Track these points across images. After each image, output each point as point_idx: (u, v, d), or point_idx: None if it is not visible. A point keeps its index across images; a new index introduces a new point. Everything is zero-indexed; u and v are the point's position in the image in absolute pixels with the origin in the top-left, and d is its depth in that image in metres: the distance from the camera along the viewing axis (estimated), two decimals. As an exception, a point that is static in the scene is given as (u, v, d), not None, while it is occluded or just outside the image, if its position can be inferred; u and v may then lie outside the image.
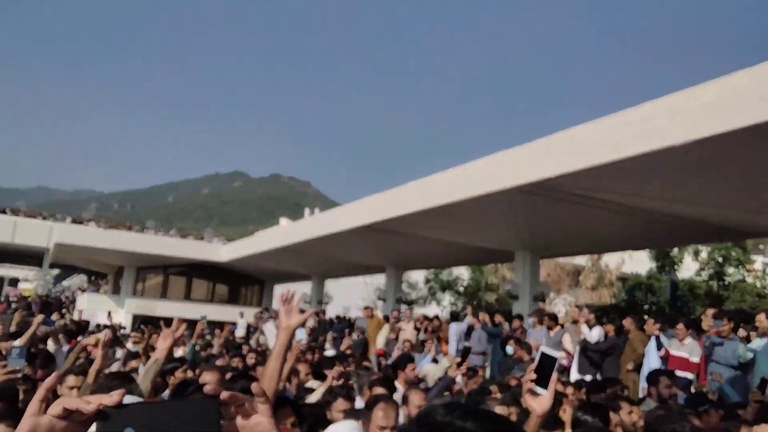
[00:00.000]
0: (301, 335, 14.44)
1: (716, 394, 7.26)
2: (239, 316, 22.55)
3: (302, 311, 2.72)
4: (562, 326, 10.39)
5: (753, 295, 22.89)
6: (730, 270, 23.97)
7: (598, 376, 8.98)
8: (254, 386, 1.07)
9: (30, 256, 39.76)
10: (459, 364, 10.21)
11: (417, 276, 32.54)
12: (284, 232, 22.80)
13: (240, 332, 20.10)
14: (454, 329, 11.88)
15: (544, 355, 2.14)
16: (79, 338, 11.36)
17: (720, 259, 23.88)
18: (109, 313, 20.67)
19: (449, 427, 1.05)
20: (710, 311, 8.49)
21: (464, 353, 11.21)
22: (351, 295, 31.83)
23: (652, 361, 8.38)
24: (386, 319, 14.39)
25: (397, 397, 5.83)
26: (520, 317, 11.57)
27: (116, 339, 10.93)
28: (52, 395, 0.99)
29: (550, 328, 10.30)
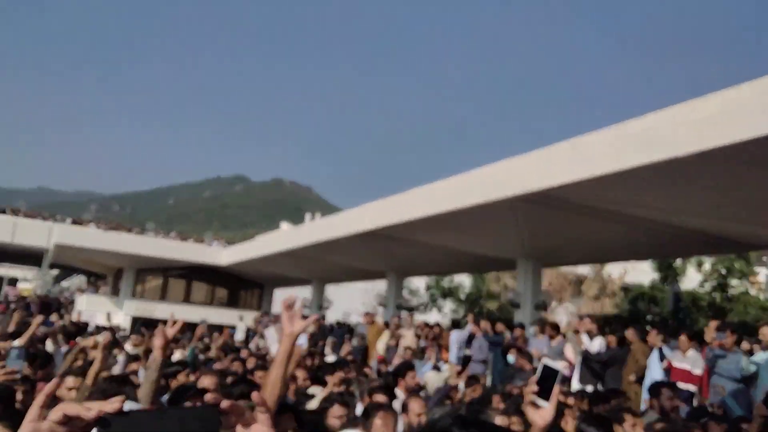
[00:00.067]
0: (302, 341, 14.39)
1: (719, 407, 7.22)
2: (239, 320, 22.52)
3: (304, 317, 2.68)
4: (564, 336, 10.34)
5: (756, 308, 22.79)
6: (734, 282, 23.87)
7: (599, 387, 8.94)
8: (255, 396, 1.05)
9: (29, 256, 39.76)
10: (459, 373, 10.20)
11: (418, 282, 32.50)
12: (285, 237, 22.79)
13: (239, 336, 20.07)
14: (455, 337, 11.83)
15: (546, 367, 2.12)
16: (78, 339, 11.33)
17: (723, 271, 23.78)
18: (109, 315, 20.63)
19: None
20: (713, 323, 8.44)
21: (464, 362, 11.16)
22: (351, 301, 31.79)
23: (654, 372, 8.32)
24: (386, 325, 14.35)
25: (397, 404, 5.79)
26: (522, 326, 11.53)
27: (115, 341, 10.88)
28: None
29: (551, 338, 10.25)
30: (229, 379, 5.66)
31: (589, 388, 8.70)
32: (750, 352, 7.59)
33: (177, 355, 9.98)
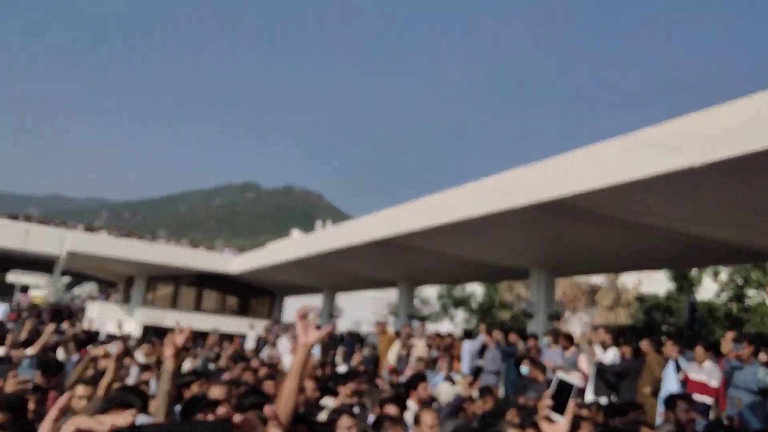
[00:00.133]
0: (315, 351, 14.34)
1: (736, 419, 7.11)
2: (249, 329, 22.49)
3: (318, 327, 2.64)
4: (578, 346, 10.24)
5: (773, 319, 22.53)
6: (751, 292, 23.58)
7: (613, 398, 8.83)
8: (267, 410, 1.01)
9: (41, 264, 40.01)
10: (471, 384, 10.11)
11: (429, 292, 32.38)
12: (296, 245, 22.78)
13: (250, 345, 20.04)
14: (468, 347, 11.73)
15: (561, 382, 2.08)
16: (89, 347, 11.34)
17: (740, 281, 23.49)
18: (120, 323, 20.67)
19: None
20: (730, 334, 8.32)
21: (476, 372, 11.07)
22: (362, 309, 31.72)
23: (670, 384, 8.21)
24: (398, 334, 14.27)
25: (410, 416, 5.73)
26: (535, 336, 11.43)
27: (127, 351, 10.88)
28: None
29: (565, 348, 10.14)
30: (240, 390, 5.61)
31: (603, 400, 8.60)
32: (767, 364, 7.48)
33: (188, 365, 9.95)
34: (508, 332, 12.05)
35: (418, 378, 6.68)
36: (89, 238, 30.42)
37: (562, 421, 2.01)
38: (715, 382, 7.92)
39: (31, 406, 4.25)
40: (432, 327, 24.99)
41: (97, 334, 17.64)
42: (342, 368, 11.43)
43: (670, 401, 6.07)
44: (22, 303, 32.48)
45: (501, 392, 10.42)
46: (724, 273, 23.95)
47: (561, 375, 2.13)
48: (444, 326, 28.50)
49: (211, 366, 11.27)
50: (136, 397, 3.49)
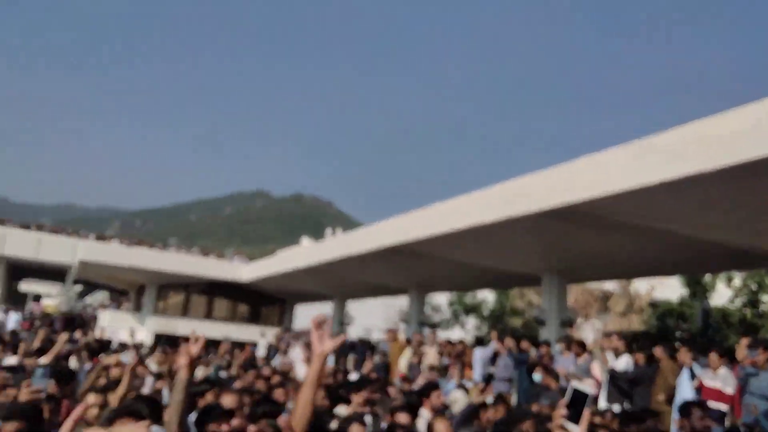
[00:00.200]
0: (329, 359, 14.32)
1: (752, 427, 7.01)
2: (260, 336, 22.49)
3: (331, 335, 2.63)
4: (591, 353, 10.16)
5: (789, 324, 22.34)
6: (765, 298, 23.34)
7: (626, 405, 8.75)
8: (281, 421, 0.99)
9: (53, 272, 40.26)
10: (482, 391, 10.05)
11: (440, 299, 32.28)
12: (306, 253, 22.80)
13: (261, 352, 20.04)
14: (479, 354, 11.67)
15: (575, 391, 2.05)
16: (101, 356, 11.37)
17: (754, 287, 23.27)
18: (132, 331, 20.73)
19: None
20: (744, 340, 8.23)
21: (487, 380, 11.00)
22: (372, 317, 31.66)
23: (684, 392, 8.12)
24: (408, 342, 14.22)
25: (422, 424, 5.69)
26: (548, 343, 11.35)
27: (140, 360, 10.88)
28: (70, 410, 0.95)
29: (578, 355, 10.07)
30: (251, 398, 5.60)
31: (616, 407, 8.52)
32: (783, 371, 7.40)
33: (200, 372, 9.95)
34: (520, 339, 11.98)
35: (431, 386, 6.64)
36: (101, 247, 30.57)
37: (578, 431, 1.99)
38: (730, 389, 7.83)
39: (45, 415, 4.25)
40: (443, 334, 24.89)
41: (109, 342, 17.70)
42: (353, 376, 11.39)
43: (685, 409, 6.00)
44: (35, 312, 32.65)
45: (513, 400, 10.35)
46: (738, 278, 23.75)
47: (575, 384, 2.11)
48: (455, 333, 28.37)
49: (223, 374, 11.27)
50: (146, 407, 3.47)
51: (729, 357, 8.35)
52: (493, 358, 11.24)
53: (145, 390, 7.28)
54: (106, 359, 8.86)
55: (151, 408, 3.52)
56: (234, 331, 26.63)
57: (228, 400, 4.96)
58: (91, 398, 4.65)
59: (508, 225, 10.93)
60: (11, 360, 7.72)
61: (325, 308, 25.62)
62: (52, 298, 36.75)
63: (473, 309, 31.78)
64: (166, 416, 3.08)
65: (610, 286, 28.99)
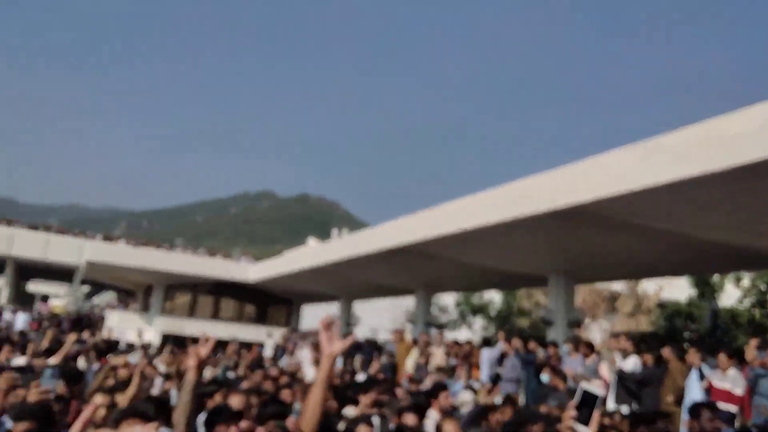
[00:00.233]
0: (338, 361, 14.31)
1: (762, 428, 6.98)
2: (267, 337, 22.52)
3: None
4: (599, 354, 10.12)
5: (797, 325, 22.20)
6: (774, 298, 23.25)
7: (634, 406, 8.71)
8: (290, 423, 0.98)
9: (61, 273, 40.43)
10: (489, 391, 10.02)
11: (447, 299, 32.24)
12: (313, 253, 22.81)
13: (268, 353, 20.08)
14: (486, 355, 11.65)
15: (585, 392, 2.05)
16: (109, 356, 11.41)
17: (763, 287, 23.14)
18: (140, 331, 20.78)
19: None
20: (753, 341, 8.18)
21: (494, 380, 10.97)
22: (379, 317, 31.65)
23: (694, 393, 8.09)
24: (415, 342, 14.20)
25: (431, 425, 5.68)
26: (555, 344, 11.32)
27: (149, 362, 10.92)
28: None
29: (586, 356, 10.03)
30: (259, 399, 5.60)
31: (624, 409, 8.49)
32: (792, 372, 7.36)
33: (208, 373, 9.96)
34: (528, 340, 11.95)
35: (440, 387, 6.63)
36: (108, 248, 30.70)
37: (587, 432, 1.98)
38: (739, 390, 7.80)
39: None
40: (450, 335, 24.86)
41: (116, 343, 17.75)
42: (360, 376, 11.38)
43: (695, 410, 5.97)
44: (43, 312, 32.79)
45: (520, 400, 10.32)
46: (747, 279, 23.63)
47: (585, 385, 2.10)
48: (462, 334, 28.34)
49: (231, 374, 11.29)
50: (154, 408, 3.47)
51: (738, 358, 8.31)
52: (501, 359, 11.21)
53: (154, 391, 7.30)
54: (114, 360, 8.89)
55: (160, 409, 3.52)
56: (241, 331, 26.65)
57: (235, 401, 4.97)
58: (99, 399, 4.66)
59: (515, 225, 10.90)
60: (20, 360, 7.76)
61: (331, 309, 25.62)
62: (59, 298, 36.91)
63: (480, 309, 31.72)
64: (174, 416, 3.08)
65: (617, 286, 28.86)
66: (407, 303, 23.69)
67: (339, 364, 13.16)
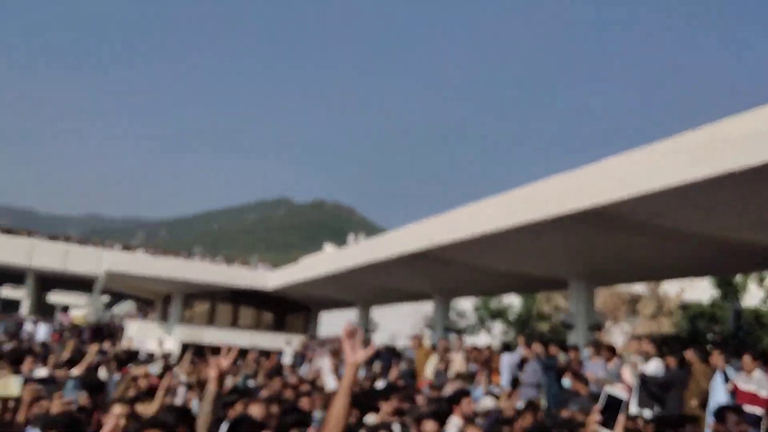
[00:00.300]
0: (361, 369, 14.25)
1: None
2: (285, 344, 22.53)
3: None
4: (621, 357, 10.01)
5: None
6: (798, 298, 22.87)
7: (657, 410, 8.60)
8: None
9: (80, 283, 40.79)
10: (510, 396, 9.95)
11: (465, 304, 32.09)
12: (329, 259, 22.82)
13: (287, 360, 20.08)
14: (507, 360, 11.56)
15: (609, 396, 2.02)
16: (129, 366, 11.47)
17: (787, 287, 22.82)
18: (161, 341, 20.88)
19: None
20: (778, 343, 8.06)
21: (514, 385, 10.89)
22: (397, 323, 31.57)
23: (719, 396, 7.97)
24: (434, 348, 14.14)
25: (453, 431, 5.63)
26: (576, 348, 11.21)
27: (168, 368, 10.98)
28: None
29: (607, 360, 9.92)
30: (278, 408, 5.59)
31: (647, 413, 8.39)
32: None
33: (229, 381, 9.98)
34: (548, 344, 11.85)
35: (462, 393, 6.58)
36: (126, 258, 30.96)
37: (613, 436, 1.94)
38: (765, 393, 7.68)
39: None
40: (469, 340, 24.73)
41: (137, 352, 17.85)
42: (380, 383, 11.34)
43: (720, 413, 5.90)
44: (63, 323, 33.10)
45: (542, 405, 10.23)
46: (771, 279, 23.28)
47: (609, 389, 2.07)
48: (481, 339, 28.18)
49: (251, 382, 11.31)
50: (175, 418, 3.47)
51: (763, 359, 8.19)
52: (521, 364, 11.13)
53: (178, 400, 7.32)
54: (135, 370, 8.93)
55: (182, 418, 3.52)
56: (259, 339, 26.69)
57: (256, 410, 4.96)
58: (117, 409, 4.67)
59: (533, 229, 10.83)
60: (42, 372, 7.82)
61: (349, 315, 25.60)
62: (79, 308, 37.25)
63: (499, 314, 31.50)
64: (196, 428, 3.08)
65: (638, 288, 28.56)
66: (426, 308, 23.62)
67: (362, 373, 13.13)
